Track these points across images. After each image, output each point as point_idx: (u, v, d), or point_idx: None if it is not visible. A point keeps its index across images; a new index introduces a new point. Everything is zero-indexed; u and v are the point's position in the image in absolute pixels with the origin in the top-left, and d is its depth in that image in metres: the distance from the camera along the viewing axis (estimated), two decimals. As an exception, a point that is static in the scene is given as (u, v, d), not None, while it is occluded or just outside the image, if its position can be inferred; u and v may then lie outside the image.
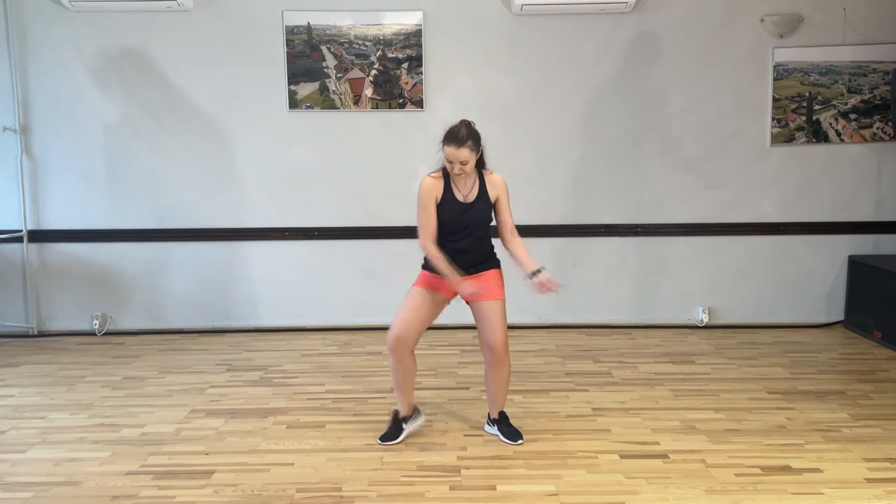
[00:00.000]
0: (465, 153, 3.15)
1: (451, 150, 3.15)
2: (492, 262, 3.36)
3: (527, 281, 3.26)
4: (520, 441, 3.34)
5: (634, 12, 5.03)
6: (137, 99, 5.08)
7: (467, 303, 3.33)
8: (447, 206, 3.25)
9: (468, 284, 3.18)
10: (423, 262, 3.36)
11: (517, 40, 5.07)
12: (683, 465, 3.15)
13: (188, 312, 5.28)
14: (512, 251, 3.35)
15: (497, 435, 3.42)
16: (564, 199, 5.22)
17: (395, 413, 3.45)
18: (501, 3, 5.04)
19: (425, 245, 3.26)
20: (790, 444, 3.35)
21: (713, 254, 5.28)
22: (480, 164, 3.30)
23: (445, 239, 3.28)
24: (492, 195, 3.30)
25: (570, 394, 4.00)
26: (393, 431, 3.39)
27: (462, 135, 3.15)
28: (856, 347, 4.85)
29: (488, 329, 3.28)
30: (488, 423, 3.50)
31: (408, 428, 3.42)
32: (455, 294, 3.33)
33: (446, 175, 3.27)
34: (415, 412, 3.48)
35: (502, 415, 3.45)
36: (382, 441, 3.36)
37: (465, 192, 3.27)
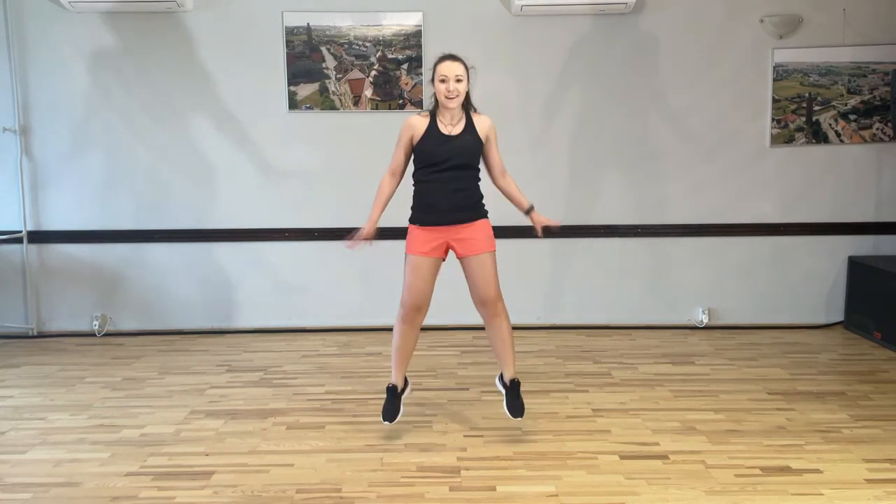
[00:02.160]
0: (460, 68, 3.18)
1: (445, 64, 3.17)
2: (479, 212, 3.34)
3: (525, 216, 3.36)
4: (518, 417, 3.33)
5: (634, 13, 5.03)
6: (137, 100, 5.08)
7: (458, 258, 3.33)
8: (431, 139, 3.23)
9: (362, 237, 3.31)
10: (411, 214, 3.35)
11: (517, 41, 5.07)
12: (683, 465, 3.15)
13: (188, 313, 5.28)
14: (504, 189, 3.40)
15: (502, 398, 3.40)
16: (564, 199, 5.22)
17: (393, 388, 3.42)
18: (501, 4, 5.04)
19: (383, 176, 3.36)
20: (790, 444, 3.35)
21: (713, 254, 5.28)
22: (468, 104, 3.29)
23: (431, 172, 3.26)
24: (481, 132, 3.28)
25: (569, 394, 4.00)
26: (394, 408, 3.39)
27: (454, 54, 3.23)
28: (856, 348, 4.85)
29: (479, 284, 3.28)
30: (498, 380, 3.48)
31: (406, 393, 3.48)
32: (447, 251, 3.33)
33: (433, 117, 3.26)
34: (406, 382, 3.50)
35: (514, 383, 3.39)
36: (386, 420, 3.36)
37: (451, 127, 3.25)
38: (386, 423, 3.38)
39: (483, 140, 3.30)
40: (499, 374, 3.51)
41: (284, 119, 5.12)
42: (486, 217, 3.37)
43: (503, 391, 3.44)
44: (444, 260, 3.36)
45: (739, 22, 5.08)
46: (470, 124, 3.28)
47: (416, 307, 3.31)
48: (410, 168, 3.41)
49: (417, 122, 3.28)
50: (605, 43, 5.08)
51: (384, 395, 3.98)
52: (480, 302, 3.32)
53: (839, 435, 3.45)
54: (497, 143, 3.39)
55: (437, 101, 3.26)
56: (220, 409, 3.83)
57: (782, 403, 3.85)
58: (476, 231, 3.29)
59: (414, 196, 3.36)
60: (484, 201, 3.39)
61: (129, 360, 4.67)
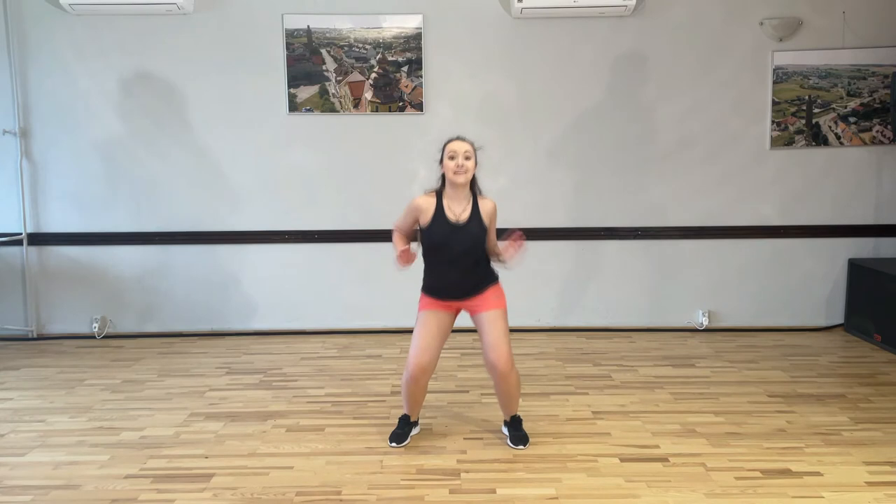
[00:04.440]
0: (469, 147, 3.23)
1: (454, 143, 3.23)
2: (489, 280, 3.37)
3: (506, 249, 3.31)
4: (521, 447, 3.34)
5: (634, 16, 5.04)
6: (137, 102, 5.08)
7: (470, 315, 3.36)
8: (438, 226, 3.26)
9: (404, 255, 3.21)
10: (422, 284, 3.37)
11: (517, 43, 5.08)
12: (683, 468, 3.15)
13: (188, 315, 5.27)
14: (496, 253, 3.40)
15: (505, 436, 3.43)
16: (564, 201, 5.22)
17: (406, 417, 3.47)
18: (501, 7, 5.04)
19: (394, 231, 3.38)
20: (790, 447, 3.34)
21: (713, 257, 5.28)
22: (474, 186, 3.33)
23: (437, 262, 3.30)
24: (486, 217, 3.32)
25: (569, 397, 4.00)
26: (403, 433, 3.41)
27: (463, 136, 3.30)
28: (856, 350, 4.85)
29: (489, 346, 3.27)
30: (504, 425, 3.50)
31: (413, 432, 3.48)
32: (458, 310, 3.36)
33: (440, 198, 3.29)
34: (417, 420, 3.53)
35: (514, 418, 3.45)
36: (393, 441, 3.38)
37: (458, 212, 3.27)
38: (392, 444, 3.38)
39: (487, 226, 3.33)
40: (503, 421, 3.52)
41: (284, 121, 5.12)
42: (497, 282, 3.39)
43: (506, 431, 3.45)
44: (453, 318, 3.37)
45: (739, 24, 5.08)
46: (475, 211, 3.30)
47: (421, 367, 3.28)
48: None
49: (425, 205, 3.29)
50: (604, 45, 5.09)
51: (384, 397, 3.99)
52: (492, 366, 3.29)
53: (839, 437, 3.45)
54: (496, 224, 3.40)
55: (444, 181, 3.29)
56: (219, 411, 3.83)
57: (782, 406, 3.85)
58: (486, 295, 3.33)
59: (425, 269, 3.38)
60: (492, 266, 3.41)
61: (129, 363, 4.67)
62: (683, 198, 5.22)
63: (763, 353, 4.78)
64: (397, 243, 3.34)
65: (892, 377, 4.31)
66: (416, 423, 3.50)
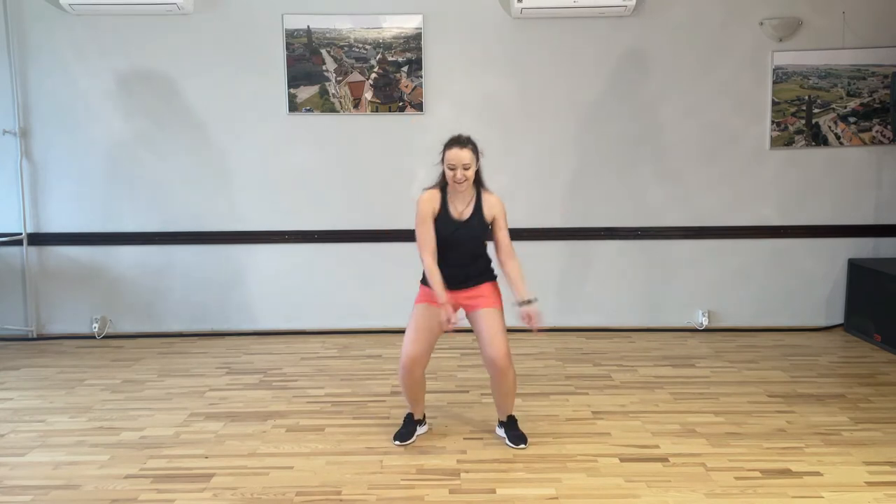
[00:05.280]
0: (468, 155, 3.19)
1: (454, 151, 3.18)
2: (487, 276, 3.37)
3: (514, 307, 3.26)
4: (522, 446, 3.34)
5: (634, 16, 5.04)
6: (137, 102, 5.08)
7: (466, 314, 3.36)
8: (441, 223, 3.27)
9: (448, 310, 3.12)
10: (421, 276, 3.36)
11: (517, 43, 5.08)
12: (683, 468, 3.15)
13: (188, 316, 5.27)
14: (508, 273, 3.32)
15: (503, 438, 3.43)
16: (564, 202, 5.22)
17: (410, 415, 3.48)
18: (501, 7, 5.04)
19: (423, 258, 3.27)
20: (790, 447, 3.34)
21: (713, 257, 5.28)
22: (479, 182, 3.32)
23: (440, 250, 3.28)
24: (488, 215, 3.31)
25: (569, 397, 4.00)
26: (408, 432, 3.42)
27: (464, 138, 3.24)
28: (856, 350, 4.85)
29: (487, 342, 3.27)
30: (498, 426, 3.51)
31: (419, 431, 3.48)
32: (457, 308, 3.32)
33: (443, 191, 3.29)
34: (423, 417, 3.53)
35: (510, 418, 3.45)
36: (397, 440, 3.39)
37: (461, 208, 3.28)
38: (396, 442, 3.39)
39: (489, 223, 3.33)
40: (497, 422, 3.52)
41: (284, 122, 5.12)
42: (495, 280, 3.39)
43: (503, 432, 3.44)
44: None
45: (739, 24, 5.08)
46: (479, 208, 3.29)
47: (413, 358, 3.29)
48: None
49: (433, 200, 3.27)
50: (604, 45, 5.09)
51: (384, 398, 3.99)
52: (490, 362, 3.29)
53: (839, 437, 3.45)
54: (506, 223, 3.36)
55: (446, 179, 3.27)
56: (219, 411, 3.83)
57: (782, 406, 3.85)
58: (482, 290, 3.33)
59: None
60: (492, 266, 3.40)
61: (129, 363, 4.67)
62: (683, 198, 5.22)
63: (763, 353, 4.78)
64: (437, 287, 3.17)
65: (892, 377, 4.31)
66: (422, 422, 3.50)
